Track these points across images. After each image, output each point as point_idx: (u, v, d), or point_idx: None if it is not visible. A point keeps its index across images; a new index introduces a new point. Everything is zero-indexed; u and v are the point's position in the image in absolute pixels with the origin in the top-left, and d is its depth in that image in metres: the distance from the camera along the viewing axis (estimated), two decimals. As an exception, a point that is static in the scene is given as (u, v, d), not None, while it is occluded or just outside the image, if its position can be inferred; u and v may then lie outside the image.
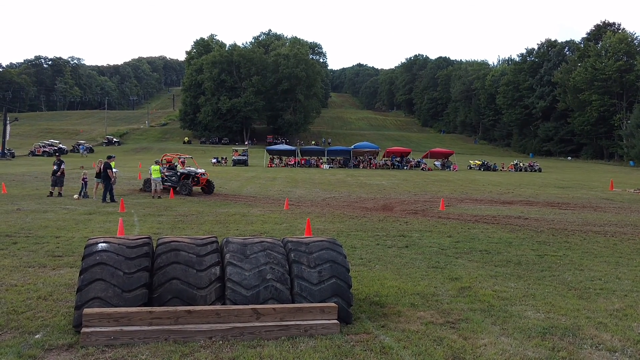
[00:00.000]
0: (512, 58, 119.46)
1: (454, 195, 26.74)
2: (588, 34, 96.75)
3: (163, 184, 24.27)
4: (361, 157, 60.37)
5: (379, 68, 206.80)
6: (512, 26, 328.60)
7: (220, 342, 5.56)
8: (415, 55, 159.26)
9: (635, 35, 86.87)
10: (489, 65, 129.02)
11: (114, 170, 22.13)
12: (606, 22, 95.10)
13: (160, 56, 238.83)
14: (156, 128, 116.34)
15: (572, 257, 10.98)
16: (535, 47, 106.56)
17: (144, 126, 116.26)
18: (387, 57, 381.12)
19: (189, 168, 25.96)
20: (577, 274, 9.35)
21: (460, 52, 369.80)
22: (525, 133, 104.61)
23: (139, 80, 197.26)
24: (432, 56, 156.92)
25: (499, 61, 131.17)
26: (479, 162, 61.05)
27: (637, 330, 6.19)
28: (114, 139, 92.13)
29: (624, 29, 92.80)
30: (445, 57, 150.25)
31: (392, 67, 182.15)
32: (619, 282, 8.78)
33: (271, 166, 55.81)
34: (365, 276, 8.82)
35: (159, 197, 22.13)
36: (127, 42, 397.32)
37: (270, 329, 5.79)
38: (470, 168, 59.03)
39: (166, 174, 24.49)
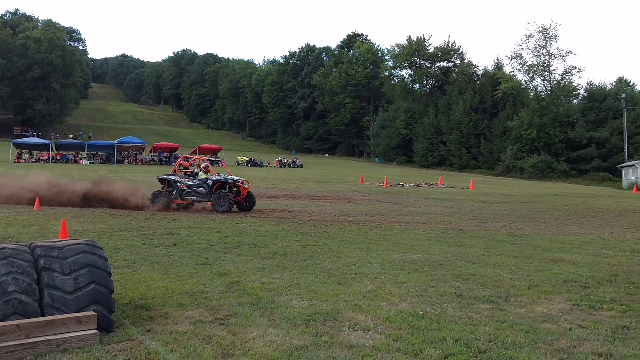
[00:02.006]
0: (276, 59, 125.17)
1: (222, 190, 26.92)
2: (342, 42, 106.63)
3: (185, 198, 18.55)
4: (126, 153, 57.60)
5: (145, 60, 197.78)
6: (277, 27, 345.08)
7: (-55, 372, 4.61)
8: (183, 50, 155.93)
9: (379, 47, 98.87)
10: (255, 65, 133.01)
11: None
12: (356, 32, 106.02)
13: None
14: None
15: (331, 245, 11.86)
16: (297, 50, 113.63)
17: None
18: (153, 49, 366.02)
19: (218, 175, 19.50)
20: (335, 260, 10.10)
21: (228, 50, 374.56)
22: (289, 131, 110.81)
23: None
24: (200, 52, 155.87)
25: (265, 61, 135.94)
26: (247, 159, 62.79)
27: (385, 309, 6.89)
28: None
29: (370, 40, 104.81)
30: (213, 54, 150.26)
31: (159, 60, 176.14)
32: (370, 266, 9.73)
33: (19, 162, 49.44)
34: (130, 279, 8.27)
35: None
36: None
37: (13, 348, 4.98)
38: (239, 164, 60.30)
39: (188, 183, 18.52)
